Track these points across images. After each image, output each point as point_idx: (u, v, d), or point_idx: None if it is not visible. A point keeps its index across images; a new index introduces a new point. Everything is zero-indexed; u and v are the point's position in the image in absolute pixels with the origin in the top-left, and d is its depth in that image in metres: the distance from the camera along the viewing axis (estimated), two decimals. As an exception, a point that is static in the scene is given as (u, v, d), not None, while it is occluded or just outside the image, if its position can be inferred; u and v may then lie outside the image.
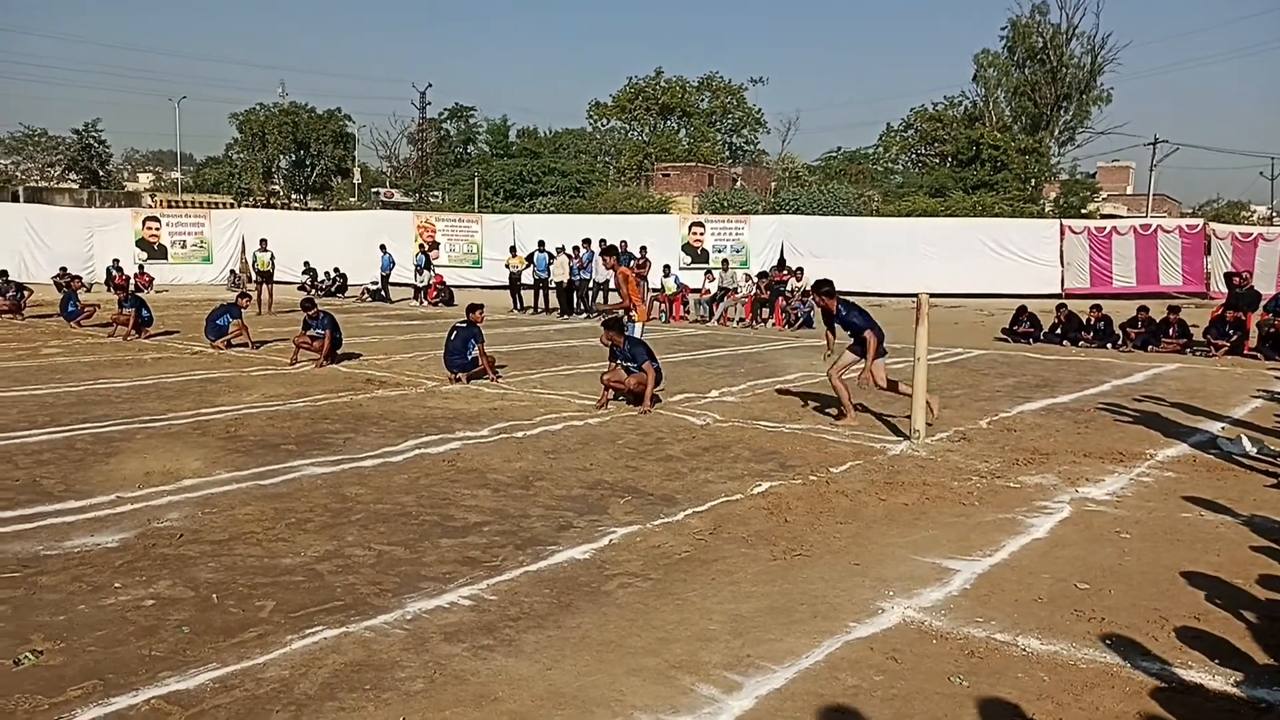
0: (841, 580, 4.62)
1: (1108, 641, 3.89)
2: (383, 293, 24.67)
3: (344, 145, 69.84)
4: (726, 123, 71.82)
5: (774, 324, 19.37)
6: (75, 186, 59.05)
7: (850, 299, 8.95)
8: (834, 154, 63.57)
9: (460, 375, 10.59)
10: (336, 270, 26.39)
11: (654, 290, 20.83)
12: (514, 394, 9.98)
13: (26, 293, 18.48)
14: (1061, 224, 28.32)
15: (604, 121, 70.58)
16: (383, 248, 24.97)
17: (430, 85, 76.39)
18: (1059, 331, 15.96)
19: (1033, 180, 47.87)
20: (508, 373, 11.36)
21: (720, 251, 27.32)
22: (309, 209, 55.35)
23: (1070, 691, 3.46)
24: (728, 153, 70.43)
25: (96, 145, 67.28)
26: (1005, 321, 17.07)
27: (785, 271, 20.66)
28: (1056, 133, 53.63)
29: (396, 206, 50.34)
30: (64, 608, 4.08)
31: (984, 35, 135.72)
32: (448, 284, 24.76)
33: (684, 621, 4.09)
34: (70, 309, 16.64)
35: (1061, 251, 26.91)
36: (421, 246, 27.02)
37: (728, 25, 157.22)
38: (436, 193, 60.05)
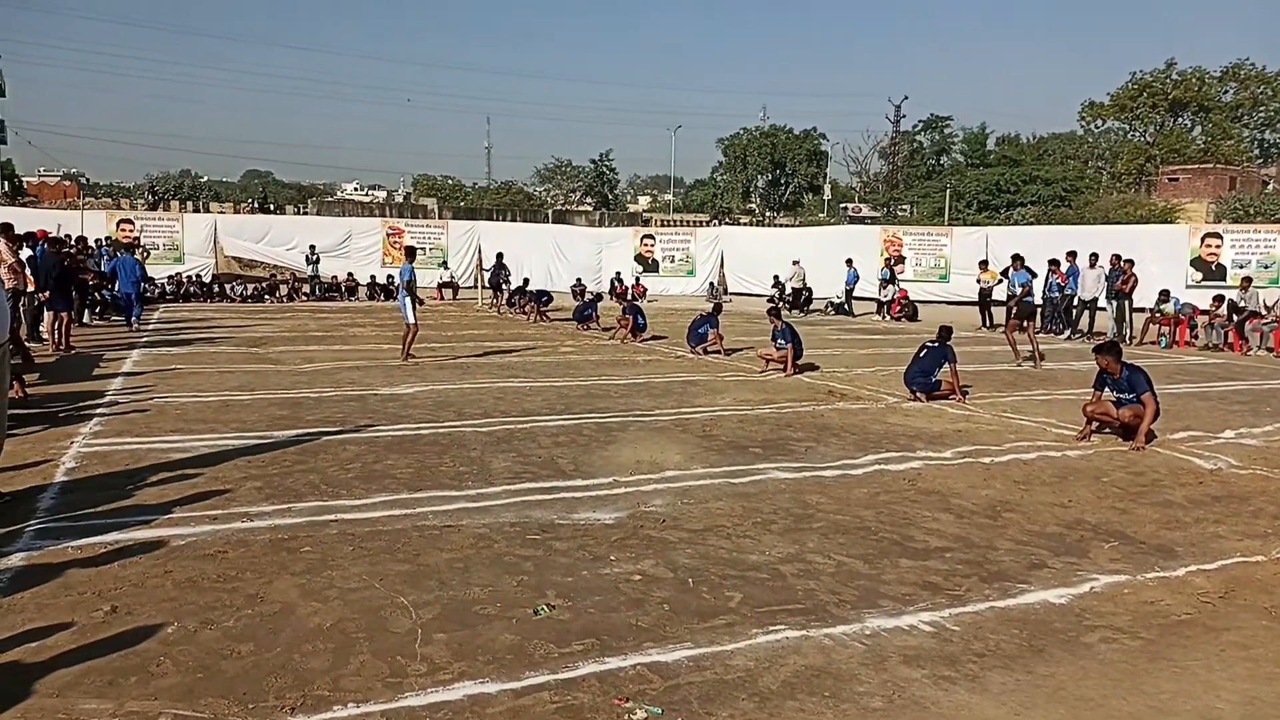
0: None
1: None
2: (846, 306, 24.99)
3: (816, 163, 72.27)
4: (1257, 117, 60.97)
5: (1315, 355, 15.94)
6: (590, 209, 68.80)
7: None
8: None
9: (920, 394, 10.31)
10: (803, 283, 27.31)
11: (1150, 310, 18.36)
12: (980, 416, 9.47)
13: (546, 298, 21.84)
14: None
15: (1098, 123, 64.09)
16: (849, 262, 25.29)
17: (906, 98, 75.84)
18: None
19: None
20: (974, 394, 10.81)
21: (1242, 267, 23.22)
22: (778, 225, 58.11)
23: None
24: (1256, 151, 59.79)
25: (608, 173, 77.74)
26: None
27: (1335, 292, 16.90)
28: None
29: (864, 221, 50.71)
30: (571, 571, 4.75)
31: None
32: (911, 299, 24.32)
33: (1183, 693, 3.55)
34: (584, 314, 19.40)
35: None
36: (887, 261, 26.90)
37: (1262, 5, 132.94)
38: (905, 206, 59.39)
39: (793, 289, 26.32)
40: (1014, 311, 15.20)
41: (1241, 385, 12.37)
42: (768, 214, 70.50)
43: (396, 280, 14.27)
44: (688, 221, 52.02)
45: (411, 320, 12.88)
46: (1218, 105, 60.29)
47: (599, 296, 21.22)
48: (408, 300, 12.95)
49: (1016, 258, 20.79)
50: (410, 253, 13.73)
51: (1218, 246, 24.63)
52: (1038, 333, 15.59)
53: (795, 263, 26.63)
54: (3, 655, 3.63)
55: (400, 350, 13.13)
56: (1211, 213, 40.83)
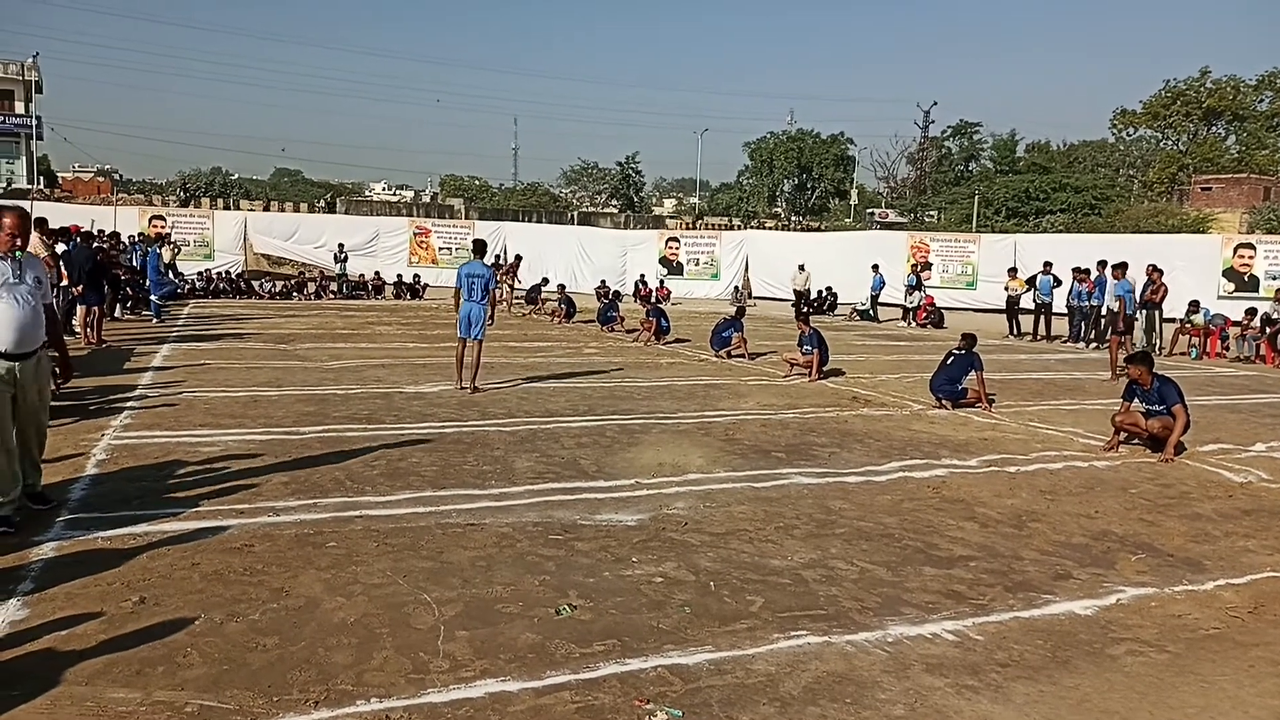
0: None
1: None
2: (870, 312, 24.86)
3: (843, 168, 71.86)
4: (1293, 126, 59.89)
5: (1350, 369, 15.67)
6: (615, 211, 68.84)
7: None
8: None
9: (945, 402, 10.25)
10: (828, 289, 27.23)
11: (1180, 320, 18.12)
12: (1007, 425, 9.39)
13: (573, 310, 21.91)
14: None
15: (1130, 131, 63.31)
16: (875, 268, 25.18)
17: (935, 104, 75.32)
18: None
19: None
20: (1001, 402, 10.72)
21: (1275, 279, 22.90)
22: (803, 229, 57.85)
23: None
24: (1293, 161, 58.69)
25: (634, 175, 77.77)
26: None
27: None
28: None
29: (891, 227, 50.42)
30: (593, 572, 4.75)
31: None
32: (938, 305, 24.16)
33: (1209, 708, 3.51)
34: (607, 316, 19.43)
35: None
36: (914, 267, 26.75)
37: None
38: (932, 212, 58.99)
39: (796, 292, 26.53)
40: (1116, 325, 15.43)
41: (1273, 398, 12.18)
42: (793, 218, 70.20)
43: (462, 284, 10.32)
44: (712, 225, 51.84)
45: (482, 336, 10.44)
46: (1253, 114, 59.37)
47: (618, 295, 21.24)
48: (487, 310, 10.49)
49: (1047, 264, 20.71)
50: (480, 248, 10.98)
51: (1250, 257, 24.28)
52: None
53: (800, 267, 26.77)
54: (33, 643, 3.69)
55: (459, 376, 10.45)
56: (1245, 223, 40.24)
